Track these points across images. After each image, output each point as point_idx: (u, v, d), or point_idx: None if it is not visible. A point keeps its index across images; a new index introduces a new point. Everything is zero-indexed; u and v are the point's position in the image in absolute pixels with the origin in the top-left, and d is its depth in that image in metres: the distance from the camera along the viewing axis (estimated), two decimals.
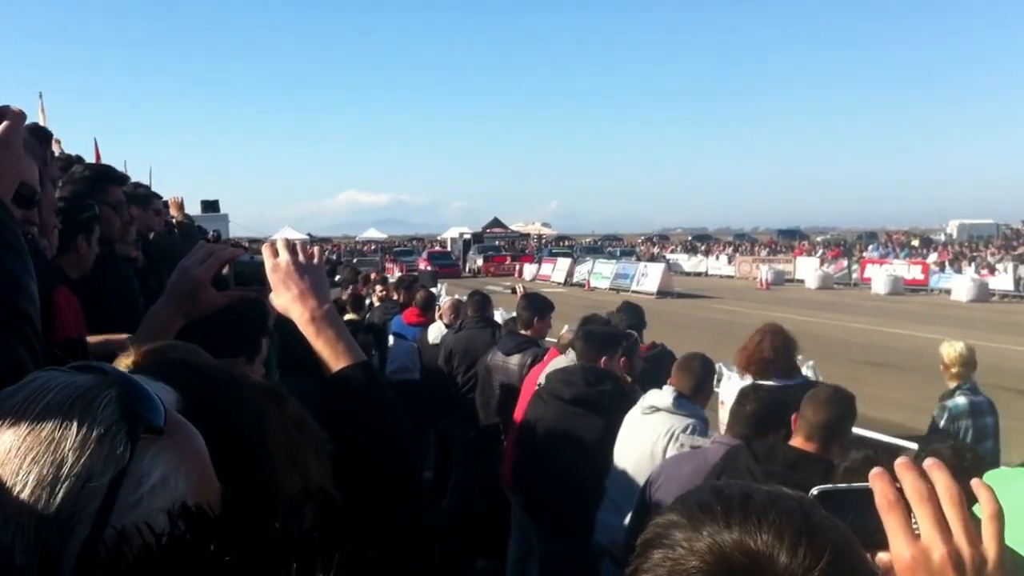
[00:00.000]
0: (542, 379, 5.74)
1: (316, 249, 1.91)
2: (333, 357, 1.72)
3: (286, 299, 1.77)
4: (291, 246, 1.84)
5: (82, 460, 0.83)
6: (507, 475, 6.19)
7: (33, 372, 0.96)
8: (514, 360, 6.63)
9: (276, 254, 1.81)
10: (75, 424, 0.86)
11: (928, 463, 1.05)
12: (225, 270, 1.92)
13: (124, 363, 1.31)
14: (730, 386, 9.64)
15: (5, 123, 1.59)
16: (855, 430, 3.95)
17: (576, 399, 5.08)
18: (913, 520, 1.01)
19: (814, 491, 1.07)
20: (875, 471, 1.05)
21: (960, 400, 6.55)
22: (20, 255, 1.50)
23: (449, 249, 62.35)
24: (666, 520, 0.96)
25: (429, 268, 48.05)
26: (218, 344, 2.48)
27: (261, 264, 1.83)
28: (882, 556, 1.03)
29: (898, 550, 1.01)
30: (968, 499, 1.04)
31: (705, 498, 0.96)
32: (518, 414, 6.27)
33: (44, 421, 0.86)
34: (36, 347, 1.46)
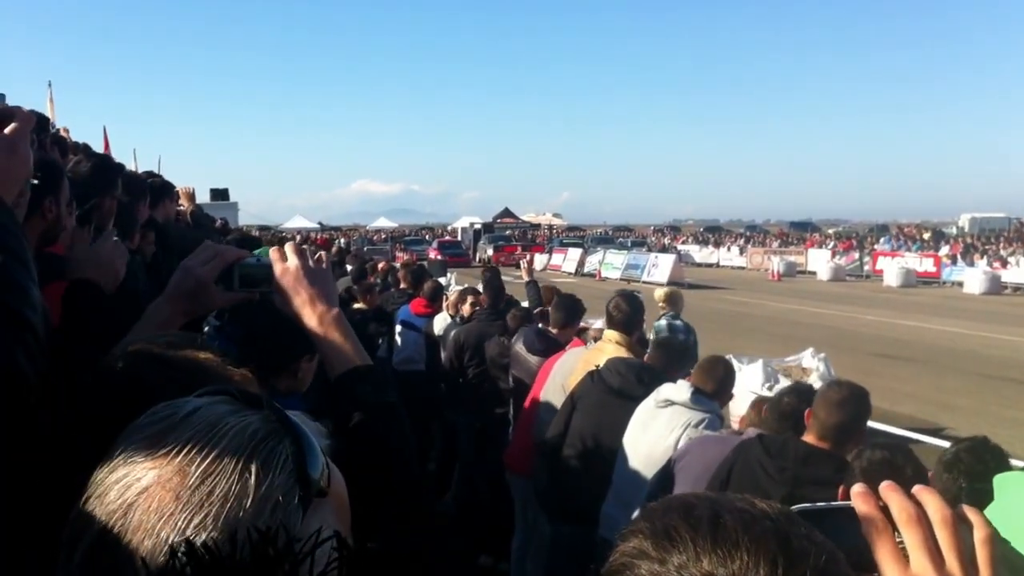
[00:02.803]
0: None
1: (323, 254, 1.93)
2: (339, 360, 1.74)
3: (296, 303, 1.78)
4: (299, 250, 1.85)
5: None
6: (514, 460, 6.20)
7: (192, 398, 0.93)
8: (535, 361, 6.64)
9: (284, 258, 1.82)
10: (253, 484, 0.82)
11: (917, 489, 1.00)
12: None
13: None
14: (740, 378, 9.64)
15: (13, 125, 1.55)
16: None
17: (621, 391, 5.08)
18: (899, 541, 0.97)
19: (793, 510, 1.01)
20: (858, 490, 1.00)
21: (662, 322, 9.10)
22: (24, 262, 1.47)
23: (459, 239, 62.25)
24: (632, 548, 0.90)
25: (439, 257, 46.99)
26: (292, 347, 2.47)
27: (267, 266, 1.83)
28: None
29: None
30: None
31: (672, 521, 0.89)
32: (528, 402, 6.28)
33: (218, 475, 0.82)
34: (38, 357, 1.44)
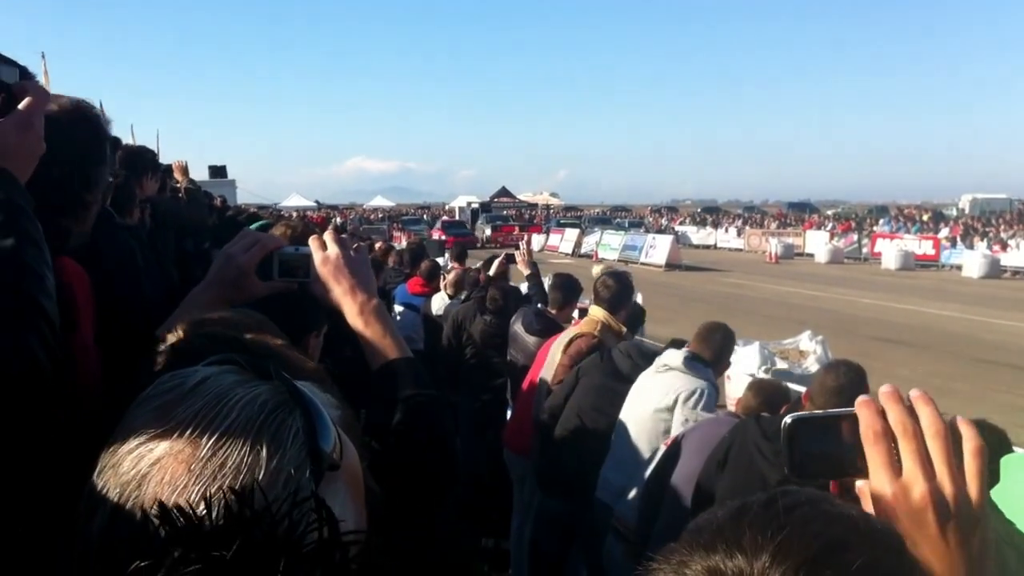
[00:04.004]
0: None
1: (361, 244, 1.95)
2: (380, 350, 1.77)
3: (336, 293, 1.81)
4: (340, 240, 1.87)
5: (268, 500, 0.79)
6: (512, 439, 6.22)
7: (200, 368, 0.92)
8: (533, 341, 6.65)
9: (325, 247, 1.84)
10: (265, 456, 0.81)
11: (914, 394, 1.03)
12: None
13: (171, 339, 1.28)
14: (737, 360, 9.65)
15: (28, 100, 1.51)
16: None
17: (631, 377, 5.07)
18: (895, 453, 1.00)
19: (788, 419, 1.05)
20: (861, 399, 1.03)
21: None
22: (39, 245, 1.44)
23: (461, 218, 61.96)
24: None
25: (443, 237, 45.27)
26: (299, 323, 2.47)
27: (305, 256, 1.86)
28: (861, 485, 1.02)
29: (879, 484, 1.00)
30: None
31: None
32: (527, 383, 6.29)
33: (229, 446, 0.81)
34: (51, 342, 1.42)
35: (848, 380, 3.53)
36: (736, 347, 9.75)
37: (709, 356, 4.76)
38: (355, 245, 1.90)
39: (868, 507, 1.01)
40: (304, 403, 0.89)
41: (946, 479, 0.98)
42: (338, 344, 2.17)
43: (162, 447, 0.82)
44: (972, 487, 0.99)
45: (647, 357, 5.11)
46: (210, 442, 0.81)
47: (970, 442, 1.01)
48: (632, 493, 4.47)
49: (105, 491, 0.82)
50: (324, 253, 1.83)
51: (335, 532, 0.77)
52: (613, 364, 5.17)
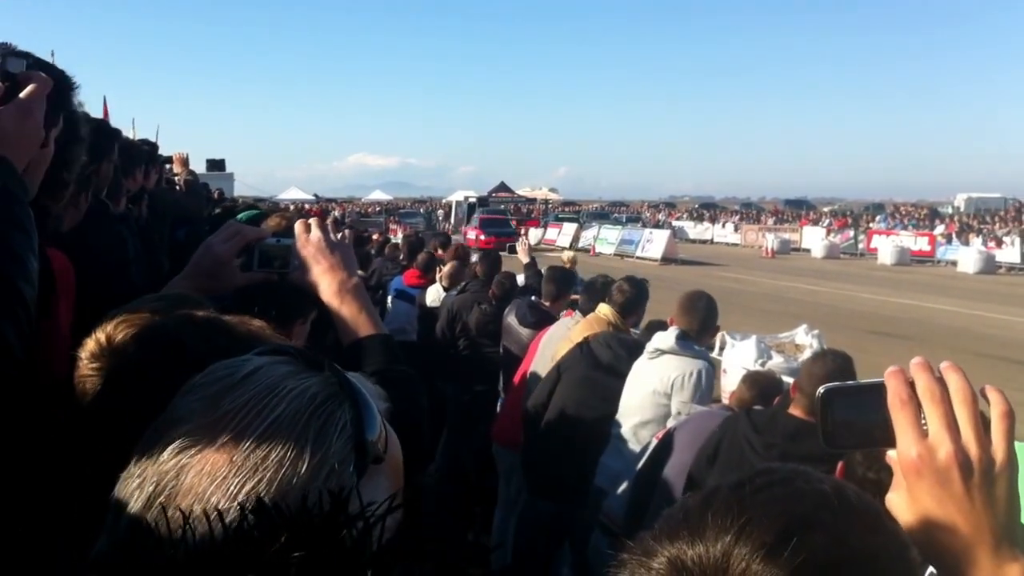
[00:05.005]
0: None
1: (348, 232, 1.99)
2: (354, 327, 1.79)
3: (316, 272, 1.83)
4: (323, 225, 1.90)
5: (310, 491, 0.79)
6: (501, 432, 6.21)
7: (253, 357, 0.91)
8: (527, 333, 6.64)
9: (308, 230, 1.88)
10: (309, 450, 0.81)
11: (944, 365, 1.06)
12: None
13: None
14: (732, 354, 9.65)
15: (29, 88, 1.51)
16: None
17: (611, 367, 5.08)
18: (923, 420, 1.02)
19: (821, 389, 1.09)
20: (891, 369, 1.06)
21: None
22: (27, 232, 1.43)
23: (458, 213, 61.42)
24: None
25: (481, 236, 38.87)
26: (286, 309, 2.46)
27: (286, 247, 1.87)
28: (891, 453, 1.04)
29: (904, 447, 1.02)
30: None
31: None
32: (518, 377, 6.29)
33: (274, 439, 0.81)
34: (27, 331, 1.41)
35: (836, 366, 3.55)
36: (733, 341, 9.79)
37: (696, 326, 4.73)
38: (341, 232, 1.94)
39: (898, 478, 1.03)
40: (354, 395, 0.89)
41: (972, 441, 1.00)
42: (322, 331, 2.17)
43: (206, 437, 0.81)
44: (999, 449, 1.00)
45: (627, 346, 5.11)
46: (256, 434, 0.81)
47: (998, 406, 1.02)
48: (623, 486, 4.46)
49: (142, 479, 0.82)
50: (306, 235, 1.86)
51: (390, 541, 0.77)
52: (594, 355, 5.16)
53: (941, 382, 1.03)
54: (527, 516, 5.53)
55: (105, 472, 0.89)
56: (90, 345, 1.32)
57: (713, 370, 4.71)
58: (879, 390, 1.05)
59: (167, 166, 7.60)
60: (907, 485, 1.01)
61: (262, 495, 0.77)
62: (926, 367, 1.04)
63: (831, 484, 0.93)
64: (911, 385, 1.03)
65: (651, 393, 4.60)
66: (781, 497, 0.88)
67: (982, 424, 1.01)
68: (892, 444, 1.03)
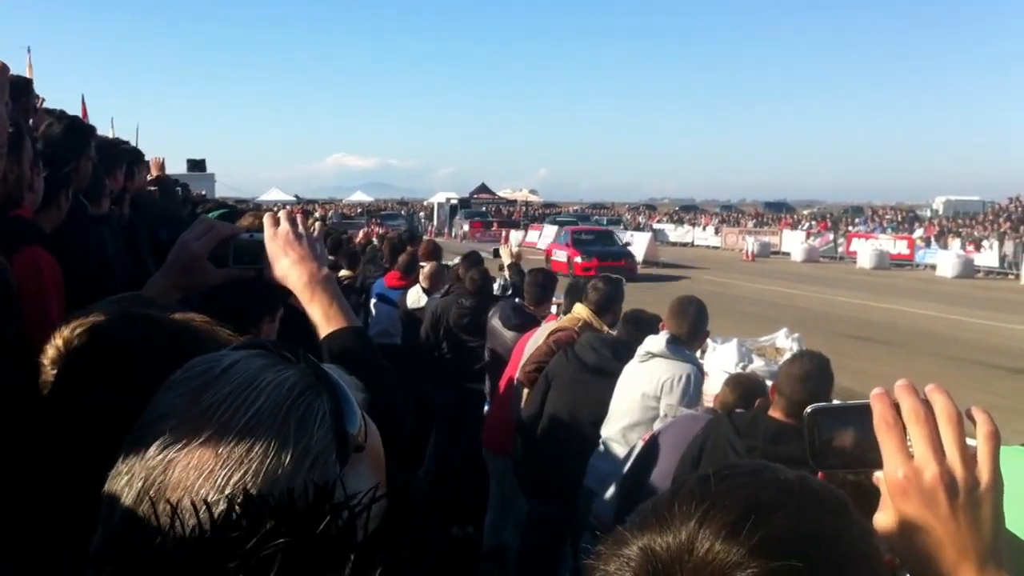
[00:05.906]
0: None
1: (318, 225, 1.94)
2: (325, 320, 1.74)
3: (284, 264, 1.78)
4: (291, 217, 1.86)
5: (293, 483, 0.80)
6: (491, 437, 6.20)
7: (229, 352, 0.92)
8: (511, 336, 6.64)
9: (277, 223, 1.83)
10: (291, 443, 0.82)
11: (929, 387, 1.06)
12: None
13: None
14: (713, 357, 9.68)
15: None
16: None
17: (598, 367, 5.08)
18: (909, 442, 1.02)
19: (808, 409, 1.09)
20: (876, 391, 1.06)
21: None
22: None
23: (440, 215, 61.14)
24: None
25: (577, 259, 30.18)
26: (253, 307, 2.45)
27: (260, 243, 1.83)
28: (878, 475, 1.05)
29: (891, 469, 1.02)
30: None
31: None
32: (503, 382, 6.27)
33: (257, 431, 0.82)
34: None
35: (813, 367, 3.59)
36: (715, 344, 9.81)
37: (687, 331, 4.76)
38: (311, 223, 1.90)
39: (885, 498, 1.04)
40: (331, 386, 0.90)
41: (957, 462, 1.00)
42: (292, 327, 2.15)
43: (190, 432, 0.82)
44: (984, 470, 1.01)
45: (611, 346, 5.12)
46: (238, 427, 0.82)
47: (984, 427, 1.03)
48: (611, 489, 4.47)
49: (130, 475, 0.83)
50: (274, 228, 1.81)
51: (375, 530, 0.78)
52: (579, 359, 5.18)
53: (926, 403, 1.04)
54: (530, 520, 5.52)
55: (83, 470, 0.89)
56: (50, 351, 1.32)
57: (703, 375, 4.73)
58: (865, 411, 1.06)
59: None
60: (894, 506, 1.03)
61: (249, 486, 0.78)
62: (911, 389, 1.05)
63: (796, 475, 0.94)
64: (896, 407, 1.04)
65: (641, 396, 4.62)
66: (744, 484, 0.89)
67: (967, 445, 1.02)
68: (879, 465, 1.04)
